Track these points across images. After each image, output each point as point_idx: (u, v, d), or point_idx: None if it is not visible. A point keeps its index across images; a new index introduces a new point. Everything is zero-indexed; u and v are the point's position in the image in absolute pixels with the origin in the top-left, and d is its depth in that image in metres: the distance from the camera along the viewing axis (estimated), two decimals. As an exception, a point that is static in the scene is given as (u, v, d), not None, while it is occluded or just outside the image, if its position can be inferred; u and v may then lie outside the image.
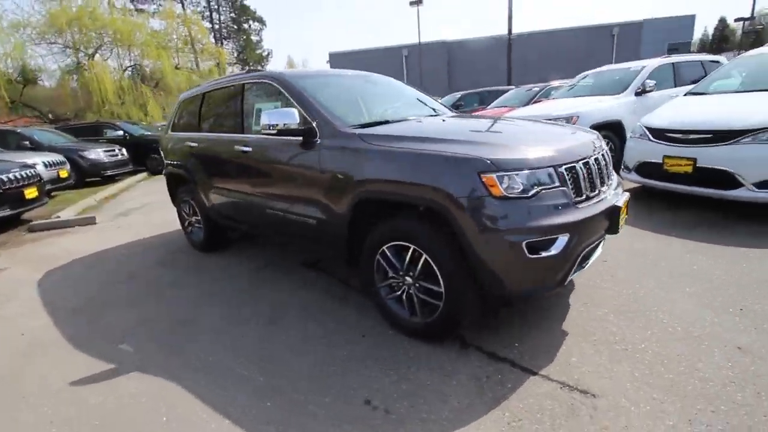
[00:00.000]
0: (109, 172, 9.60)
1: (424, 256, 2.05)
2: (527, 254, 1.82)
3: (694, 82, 6.41)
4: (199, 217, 3.94)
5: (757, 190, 3.44)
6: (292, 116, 2.49)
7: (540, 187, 1.85)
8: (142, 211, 6.63)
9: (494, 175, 1.81)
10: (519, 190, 1.82)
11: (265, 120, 2.51)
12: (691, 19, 25.26)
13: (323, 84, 2.98)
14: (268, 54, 38.29)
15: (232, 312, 2.80)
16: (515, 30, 16.03)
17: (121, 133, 11.36)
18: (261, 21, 36.61)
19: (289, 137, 2.63)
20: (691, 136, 3.83)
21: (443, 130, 2.44)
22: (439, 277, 2.02)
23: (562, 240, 1.86)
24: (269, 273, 3.44)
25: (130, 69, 17.62)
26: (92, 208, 7.10)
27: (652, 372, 1.88)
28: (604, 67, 7.21)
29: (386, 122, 2.60)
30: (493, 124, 2.67)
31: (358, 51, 28.87)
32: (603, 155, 2.26)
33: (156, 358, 2.34)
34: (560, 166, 1.92)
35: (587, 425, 1.63)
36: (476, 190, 1.82)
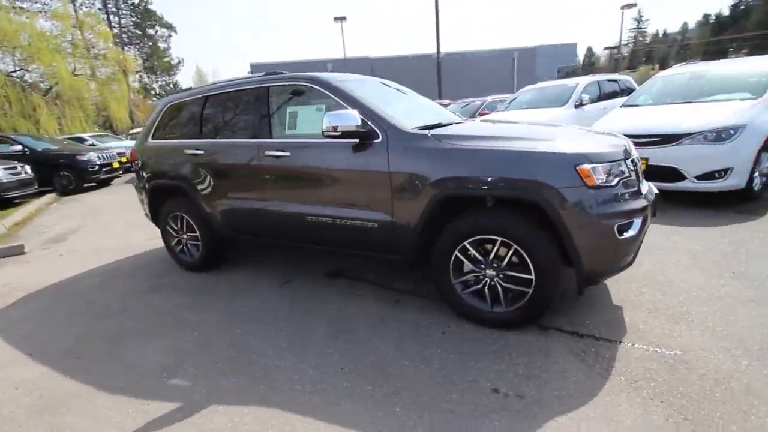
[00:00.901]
0: (9, 194, 7.99)
1: (514, 246, 2.18)
2: (617, 236, 2.06)
3: (610, 96, 7.63)
4: (196, 233, 3.55)
5: (697, 181, 4.25)
6: (353, 119, 2.45)
7: (619, 177, 2.11)
8: (79, 234, 5.69)
9: (588, 167, 2.03)
10: (606, 180, 2.06)
11: (328, 122, 2.43)
12: (574, 46, 30.13)
13: (361, 87, 2.96)
14: (179, 62, 35.42)
15: (289, 330, 2.59)
16: (427, 50, 17.24)
17: (18, 147, 9.54)
18: (170, 27, 33.75)
19: (344, 140, 2.57)
20: (643, 140, 4.57)
21: (510, 131, 2.57)
22: (530, 265, 2.16)
23: (637, 222, 2.14)
24: (299, 287, 3.24)
25: (14, 75, 14.82)
26: (3, 237, 5.88)
27: (706, 327, 2.23)
28: (542, 84, 8.18)
29: (440, 125, 2.69)
30: (538, 127, 2.89)
31: (283, 63, 28.24)
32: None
33: (229, 386, 2.08)
34: (628, 158, 2.21)
35: (688, 375, 1.88)
36: (574, 182, 2.02)
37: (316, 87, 2.81)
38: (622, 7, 26.27)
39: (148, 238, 5.08)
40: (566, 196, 2.02)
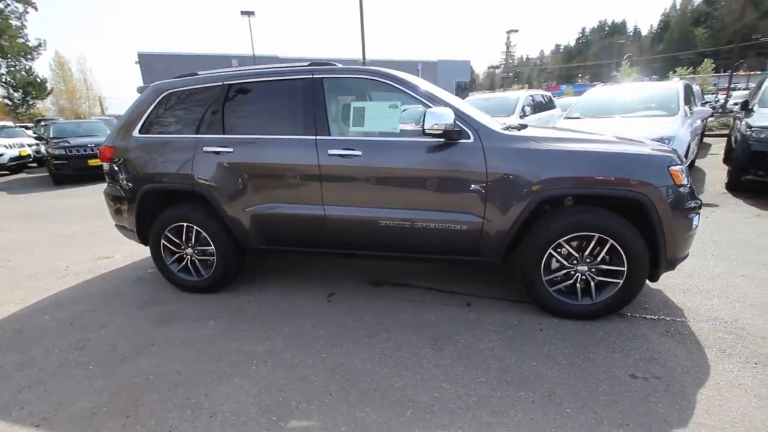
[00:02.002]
0: None
1: (610, 241, 2.36)
2: (693, 226, 2.39)
3: (541, 108, 8.68)
4: (209, 247, 2.98)
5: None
6: (449, 117, 2.36)
7: (688, 177, 2.45)
8: (28, 252, 4.29)
9: (677, 168, 2.31)
10: (685, 179, 2.37)
11: (431, 120, 2.30)
12: (468, 63, 33.58)
13: (430, 86, 2.85)
14: (40, 44, 28.46)
15: (384, 346, 2.35)
16: (341, 55, 17.31)
17: None
18: (28, 2, 26.88)
19: (427, 139, 2.46)
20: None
21: (588, 136, 2.71)
22: (624, 257, 2.36)
23: (698, 214, 2.50)
24: (347, 298, 2.97)
25: None
26: None
27: (728, 299, 2.71)
28: (486, 95, 8.91)
29: (525, 126, 2.75)
30: (597, 133, 3.08)
31: (178, 55, 25.01)
32: None
33: (374, 418, 1.81)
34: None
35: (757, 339, 2.27)
36: (668, 181, 2.28)
37: (388, 82, 2.62)
38: (508, 32, 30.29)
39: (94, 257, 4.11)
40: (664, 193, 2.27)
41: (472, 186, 2.45)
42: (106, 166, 3.20)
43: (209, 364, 2.26)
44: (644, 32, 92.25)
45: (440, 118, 2.33)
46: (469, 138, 2.46)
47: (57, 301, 3.16)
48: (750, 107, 5.78)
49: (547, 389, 1.95)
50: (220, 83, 2.90)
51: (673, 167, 2.31)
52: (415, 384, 2.02)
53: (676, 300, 2.76)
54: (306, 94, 2.71)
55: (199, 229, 2.97)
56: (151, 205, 3.07)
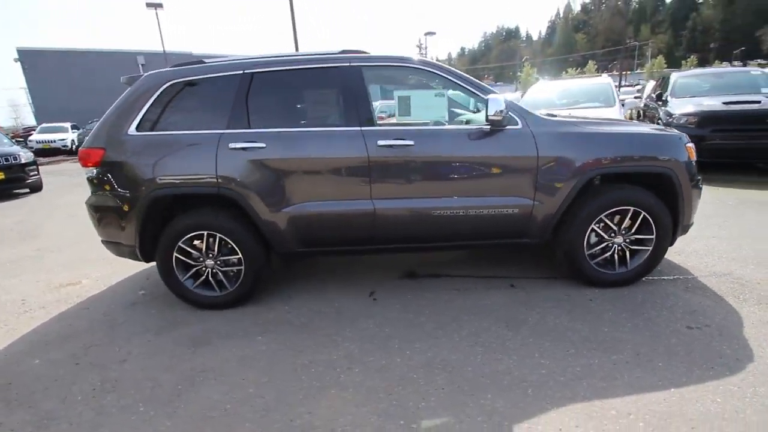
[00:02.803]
0: None
1: (643, 213, 2.63)
2: (701, 194, 2.77)
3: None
4: (236, 255, 2.66)
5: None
6: (501, 104, 2.42)
7: (694, 154, 2.84)
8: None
9: (690, 145, 2.66)
10: (694, 156, 2.73)
11: (495, 108, 2.33)
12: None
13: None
14: None
15: (461, 334, 2.34)
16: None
17: None
18: None
19: (475, 127, 2.51)
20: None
21: (616, 121, 2.96)
22: (654, 227, 2.65)
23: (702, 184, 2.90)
24: (391, 295, 2.88)
25: None
26: None
27: (727, 256, 3.19)
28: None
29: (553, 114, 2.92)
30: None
31: (71, 51, 21.26)
32: None
33: (527, 403, 1.79)
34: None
35: (754, 285, 2.70)
36: (687, 157, 2.61)
37: (431, 70, 2.60)
38: (426, 34, 31.71)
39: (53, 285, 3.43)
40: (686, 168, 2.59)
41: (524, 170, 2.55)
42: (92, 171, 2.66)
43: (289, 381, 2.03)
44: (535, 37, 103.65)
45: (500, 104, 2.38)
46: (517, 124, 2.55)
47: (36, 341, 2.55)
48: (664, 98, 6.84)
49: (631, 350, 2.12)
50: (241, 72, 2.59)
51: (688, 144, 2.66)
52: (517, 365, 2.05)
53: (678, 261, 3.18)
54: (345, 83, 2.56)
55: (223, 237, 2.62)
56: (158, 214, 2.64)
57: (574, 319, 2.45)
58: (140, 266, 3.63)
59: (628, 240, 2.72)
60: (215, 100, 2.62)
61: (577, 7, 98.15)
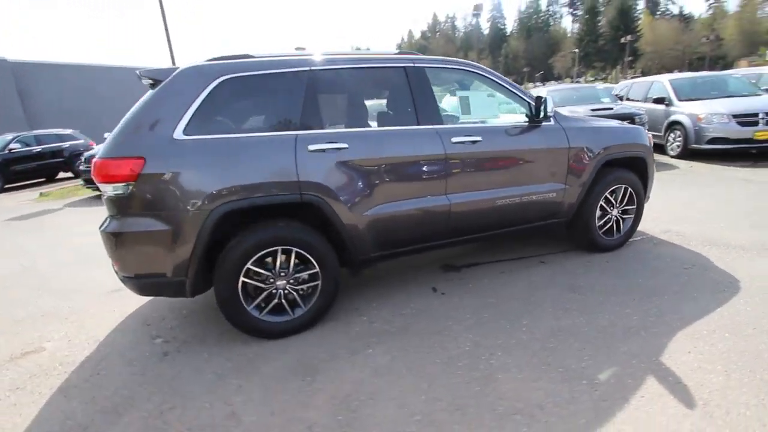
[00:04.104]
0: None
1: (630, 190, 3.37)
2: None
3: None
4: (313, 270, 2.40)
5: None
6: (551, 103, 2.84)
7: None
8: None
9: (650, 134, 3.53)
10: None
11: (550, 105, 2.70)
12: None
13: None
14: None
15: (558, 308, 2.62)
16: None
17: None
18: None
19: (520, 123, 2.87)
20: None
21: (604, 118, 3.62)
22: (635, 198, 3.41)
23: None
24: (458, 287, 3.00)
25: None
26: None
27: (693, 218, 4.24)
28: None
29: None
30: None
31: None
32: None
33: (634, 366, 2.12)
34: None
35: (730, 241, 3.68)
36: (648, 143, 3.45)
37: (482, 73, 2.84)
38: (296, 48, 31.45)
39: (19, 351, 2.50)
40: (651, 151, 3.43)
41: (560, 159, 3.00)
42: (120, 188, 2.04)
43: (451, 379, 1.98)
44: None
45: (550, 104, 2.77)
46: (550, 121, 2.99)
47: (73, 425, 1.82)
48: (666, 102, 8.17)
49: (667, 291, 2.72)
50: (308, 68, 2.37)
51: (649, 134, 3.53)
52: (611, 317, 2.43)
53: (656, 226, 4.07)
54: (414, 83, 2.60)
55: (299, 250, 2.34)
56: (220, 231, 2.19)
57: (608, 276, 2.98)
58: (99, 310, 3.02)
59: (620, 211, 3.44)
60: (280, 99, 2.33)
61: (417, 34, 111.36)
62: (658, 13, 78.86)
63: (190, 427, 1.80)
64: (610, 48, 69.33)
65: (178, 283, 2.20)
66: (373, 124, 2.61)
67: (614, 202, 3.37)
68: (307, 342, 2.40)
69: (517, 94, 2.93)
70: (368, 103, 2.73)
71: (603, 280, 2.95)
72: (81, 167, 8.65)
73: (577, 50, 68.46)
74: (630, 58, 59.27)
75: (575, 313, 2.51)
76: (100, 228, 2.19)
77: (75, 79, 20.77)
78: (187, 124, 2.13)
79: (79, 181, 11.48)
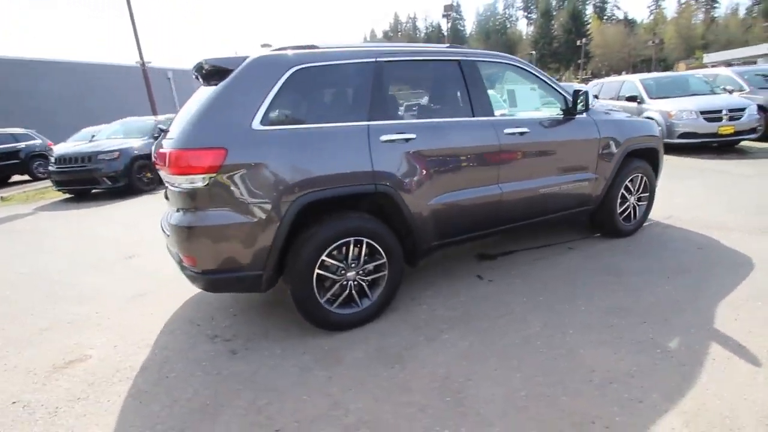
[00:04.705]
0: None
1: (645, 178, 3.63)
2: (661, 163, 4.00)
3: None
4: (380, 261, 2.42)
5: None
6: (591, 96, 3.00)
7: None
8: None
9: (659, 128, 3.81)
10: (655, 135, 3.92)
11: (592, 98, 2.84)
12: None
13: None
14: None
15: (608, 288, 2.79)
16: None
17: None
18: None
19: (558, 116, 3.03)
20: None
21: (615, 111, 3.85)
22: (649, 186, 3.68)
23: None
24: (505, 274, 3.11)
25: None
26: None
27: (688, 204, 4.57)
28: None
29: None
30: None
31: None
32: None
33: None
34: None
35: (728, 224, 4.08)
36: (659, 135, 3.73)
37: (522, 68, 2.95)
38: (262, 46, 30.59)
39: (61, 359, 2.38)
40: (661, 143, 3.71)
41: (592, 149, 3.19)
42: (199, 180, 1.96)
43: (539, 357, 2.08)
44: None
45: (590, 96, 2.94)
46: (582, 114, 3.17)
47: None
48: (638, 100, 8.47)
49: (692, 269, 2.96)
50: (374, 60, 2.37)
51: (658, 127, 3.81)
52: (652, 294, 2.62)
53: (656, 213, 4.36)
54: (468, 76, 2.67)
55: (370, 241, 2.35)
56: (299, 223, 2.15)
57: (634, 258, 3.21)
58: (131, 315, 2.88)
59: (636, 199, 3.70)
60: (350, 89, 2.33)
61: (379, 33, 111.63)
62: (605, 17, 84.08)
63: (298, 419, 1.77)
64: (564, 50, 73.04)
65: (255, 277, 2.14)
66: (432, 116, 2.66)
67: (632, 190, 3.62)
68: (379, 332, 2.41)
69: (554, 88, 3.09)
70: (426, 94, 2.77)
71: (630, 261, 3.17)
72: (50, 168, 8.00)
73: (533, 52, 71.53)
74: (583, 60, 62.69)
75: (620, 293, 2.69)
76: (168, 221, 2.09)
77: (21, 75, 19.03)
78: (264, 114, 2.08)
79: (39, 184, 10.63)
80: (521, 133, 2.81)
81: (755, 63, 27.68)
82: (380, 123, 2.34)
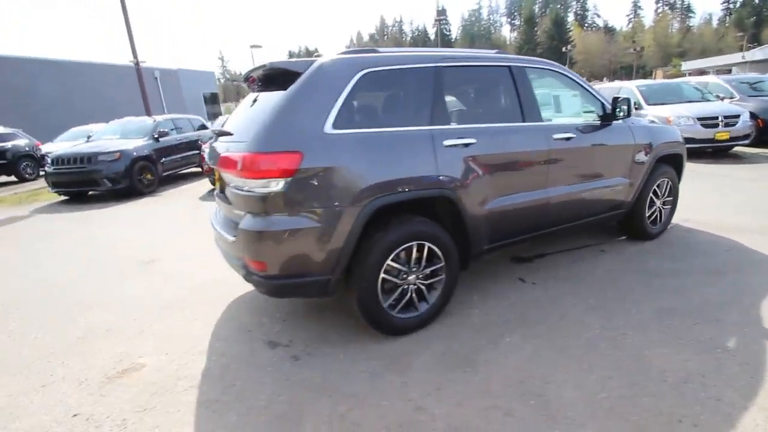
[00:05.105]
0: None
1: (671, 183, 3.74)
2: (681, 168, 4.14)
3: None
4: (439, 264, 2.42)
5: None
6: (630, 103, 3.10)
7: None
8: None
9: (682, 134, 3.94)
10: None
11: (631, 105, 2.93)
12: (213, 74, 31.60)
13: None
14: None
15: (656, 286, 2.85)
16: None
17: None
18: None
19: (596, 121, 3.11)
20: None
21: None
22: (674, 190, 3.80)
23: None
24: (547, 277, 3.14)
25: None
26: None
27: (695, 206, 4.73)
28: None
29: None
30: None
31: None
32: None
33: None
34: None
35: (741, 226, 4.22)
36: (682, 140, 3.86)
37: (563, 73, 3.02)
38: (251, 46, 30.13)
39: (112, 368, 2.32)
40: (685, 149, 3.83)
41: (626, 155, 3.27)
42: (273, 184, 1.92)
43: (611, 356, 2.11)
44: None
45: (628, 104, 3.01)
46: (618, 120, 3.25)
47: None
48: (636, 107, 8.52)
49: (726, 271, 3.07)
50: (434, 65, 2.38)
51: (681, 134, 3.94)
52: (696, 294, 2.71)
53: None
54: (517, 82, 2.71)
55: (430, 245, 2.35)
56: (368, 226, 2.14)
57: (668, 260, 3.30)
58: (173, 322, 2.77)
59: (662, 203, 3.80)
60: (412, 94, 2.33)
61: (366, 37, 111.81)
62: (586, 25, 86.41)
63: (386, 426, 1.76)
64: (547, 56, 74.59)
65: (323, 282, 2.12)
66: (487, 121, 2.68)
67: (660, 194, 3.73)
68: (439, 336, 2.41)
69: (593, 94, 3.16)
70: (480, 100, 2.79)
71: (665, 263, 3.26)
72: (47, 169, 7.71)
73: (518, 57, 72.86)
74: (567, 66, 64.27)
75: (666, 294, 2.77)
76: (239, 226, 2.05)
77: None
78: (336, 118, 2.07)
79: (30, 185, 10.23)
80: (567, 138, 2.86)
81: (730, 71, 28.91)
82: (443, 128, 2.35)
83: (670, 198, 3.83)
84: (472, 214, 2.48)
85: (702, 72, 33.39)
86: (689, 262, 3.27)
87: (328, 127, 2.05)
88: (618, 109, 3.05)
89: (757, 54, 31.54)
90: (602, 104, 3.15)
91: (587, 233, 4.03)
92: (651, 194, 3.62)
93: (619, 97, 3.08)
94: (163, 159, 8.65)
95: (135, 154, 7.84)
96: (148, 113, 12.17)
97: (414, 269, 2.36)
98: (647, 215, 3.67)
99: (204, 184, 8.67)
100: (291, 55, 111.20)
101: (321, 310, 2.81)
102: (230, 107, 43.42)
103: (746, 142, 7.80)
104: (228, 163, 2.06)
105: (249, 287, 3.13)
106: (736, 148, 8.33)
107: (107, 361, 2.40)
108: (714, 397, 1.82)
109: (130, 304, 3.16)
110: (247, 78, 2.56)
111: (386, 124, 2.26)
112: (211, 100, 29.94)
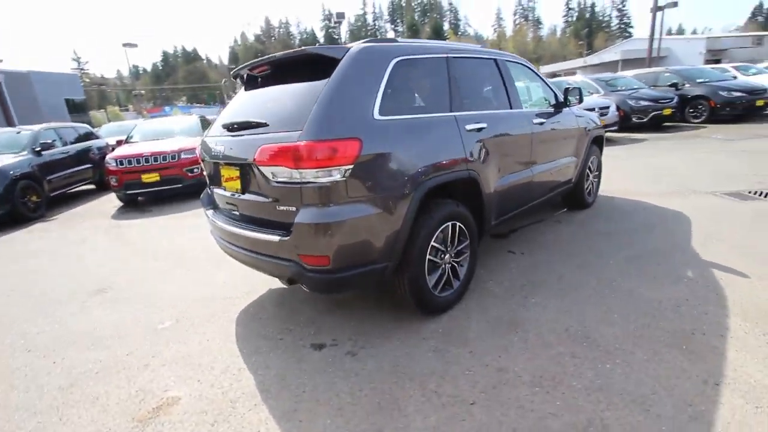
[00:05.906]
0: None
1: (598, 160, 4.52)
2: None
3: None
4: (464, 243, 2.59)
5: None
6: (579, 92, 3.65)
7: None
8: None
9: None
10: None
11: (580, 94, 3.46)
12: (77, 77, 26.82)
13: None
14: None
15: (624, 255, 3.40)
16: None
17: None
18: None
19: (554, 108, 3.64)
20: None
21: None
22: (599, 167, 4.60)
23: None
24: (530, 251, 3.52)
25: None
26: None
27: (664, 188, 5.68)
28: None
29: None
30: None
31: None
32: None
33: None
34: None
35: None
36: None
37: (525, 66, 3.45)
38: (124, 45, 26.38)
39: (144, 405, 2.09)
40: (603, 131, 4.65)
41: (576, 136, 3.86)
42: (335, 172, 1.84)
43: (642, 316, 2.52)
44: (216, 61, 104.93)
45: (583, 93, 3.57)
46: (568, 106, 3.81)
47: None
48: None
49: (663, 223, 3.87)
50: (445, 55, 2.53)
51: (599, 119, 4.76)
52: (662, 246, 3.37)
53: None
54: (503, 73, 3.03)
55: (461, 225, 2.51)
56: (421, 208, 2.20)
57: (611, 223, 4.01)
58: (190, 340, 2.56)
59: (593, 176, 4.56)
60: (434, 81, 2.44)
61: (251, 37, 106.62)
62: (460, 33, 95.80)
63: (482, 390, 1.86)
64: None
65: (381, 269, 2.11)
66: (488, 107, 2.92)
67: (592, 170, 4.47)
68: (474, 309, 2.58)
69: (548, 86, 3.66)
70: (479, 88, 3.01)
71: (610, 225, 3.95)
72: None
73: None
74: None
75: (625, 247, 3.36)
76: (296, 221, 1.92)
77: None
78: (381, 104, 2.08)
79: None
80: (541, 123, 3.30)
81: (575, 73, 35.15)
82: (463, 113, 2.53)
83: (598, 173, 4.63)
84: (487, 192, 2.71)
85: (554, 75, 39.96)
86: (626, 221, 4.01)
87: (377, 113, 2.06)
88: (570, 98, 3.61)
89: (594, 59, 38.74)
90: (555, 94, 3.68)
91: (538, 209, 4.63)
92: (587, 170, 4.33)
93: (569, 88, 3.64)
94: (50, 176, 7.19)
95: (12, 172, 6.38)
96: (9, 123, 9.91)
97: (449, 248, 2.49)
98: (585, 188, 4.38)
99: (107, 202, 7.46)
100: (166, 55, 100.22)
101: (340, 306, 2.75)
102: (96, 115, 37.27)
103: (615, 128, 9.67)
104: (278, 154, 1.91)
105: (246, 300, 2.94)
106: (607, 134, 10.28)
107: (124, 405, 2.01)
108: (702, 312, 2.34)
109: (116, 338, 2.65)
110: (252, 70, 2.40)
111: (418, 111, 2.35)
112: (78, 107, 25.37)
